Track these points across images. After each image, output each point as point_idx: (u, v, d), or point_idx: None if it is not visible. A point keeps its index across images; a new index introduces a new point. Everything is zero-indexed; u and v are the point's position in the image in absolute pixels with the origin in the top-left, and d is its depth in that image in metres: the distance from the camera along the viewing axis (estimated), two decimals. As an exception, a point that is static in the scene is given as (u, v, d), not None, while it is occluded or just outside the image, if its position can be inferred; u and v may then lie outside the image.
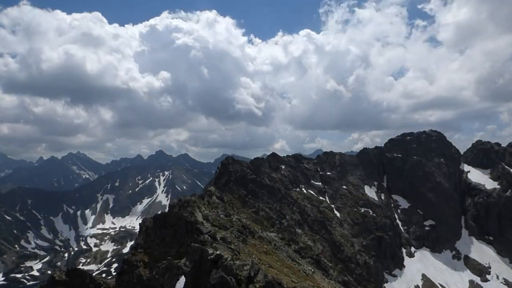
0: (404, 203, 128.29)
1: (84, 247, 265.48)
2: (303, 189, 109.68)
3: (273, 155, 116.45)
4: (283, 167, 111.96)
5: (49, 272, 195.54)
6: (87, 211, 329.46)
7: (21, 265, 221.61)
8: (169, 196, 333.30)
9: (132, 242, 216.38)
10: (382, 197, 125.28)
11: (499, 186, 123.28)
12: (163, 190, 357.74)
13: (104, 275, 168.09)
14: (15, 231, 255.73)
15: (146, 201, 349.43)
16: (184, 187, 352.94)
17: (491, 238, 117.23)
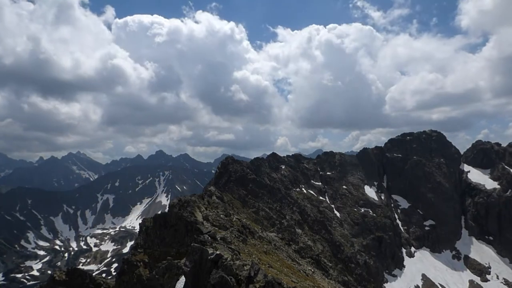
0: (404, 203, 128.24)
1: (84, 247, 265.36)
2: (303, 189, 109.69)
3: (273, 155, 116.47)
4: (283, 167, 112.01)
5: (49, 272, 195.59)
6: (87, 211, 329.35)
7: (21, 265, 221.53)
8: (169, 196, 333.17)
9: (132, 242, 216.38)
10: (382, 197, 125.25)
11: (499, 186, 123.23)
12: (163, 190, 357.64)
13: (104, 275, 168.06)
14: (15, 231, 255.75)
15: (146, 201, 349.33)
16: (184, 187, 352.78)
17: (491, 238, 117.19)
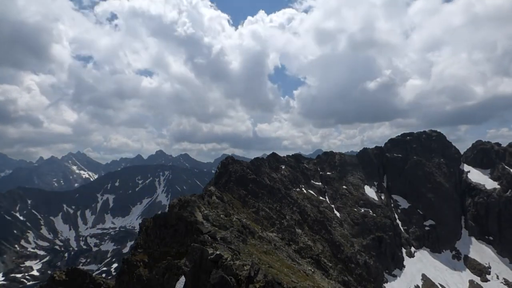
0: (404, 203, 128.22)
1: (84, 247, 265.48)
2: (303, 189, 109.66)
3: (273, 155, 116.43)
4: (283, 167, 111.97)
5: (49, 272, 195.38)
6: (87, 211, 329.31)
7: (21, 265, 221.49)
8: (169, 196, 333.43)
9: (132, 242, 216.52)
10: (382, 197, 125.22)
11: (499, 186, 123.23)
12: (163, 190, 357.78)
13: (104, 275, 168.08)
14: (15, 231, 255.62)
15: (146, 201, 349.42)
16: (184, 187, 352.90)
17: (491, 238, 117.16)
